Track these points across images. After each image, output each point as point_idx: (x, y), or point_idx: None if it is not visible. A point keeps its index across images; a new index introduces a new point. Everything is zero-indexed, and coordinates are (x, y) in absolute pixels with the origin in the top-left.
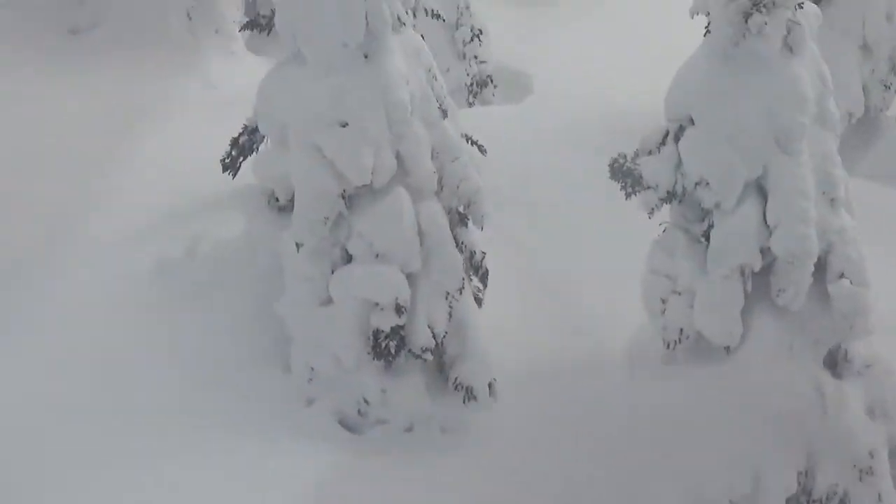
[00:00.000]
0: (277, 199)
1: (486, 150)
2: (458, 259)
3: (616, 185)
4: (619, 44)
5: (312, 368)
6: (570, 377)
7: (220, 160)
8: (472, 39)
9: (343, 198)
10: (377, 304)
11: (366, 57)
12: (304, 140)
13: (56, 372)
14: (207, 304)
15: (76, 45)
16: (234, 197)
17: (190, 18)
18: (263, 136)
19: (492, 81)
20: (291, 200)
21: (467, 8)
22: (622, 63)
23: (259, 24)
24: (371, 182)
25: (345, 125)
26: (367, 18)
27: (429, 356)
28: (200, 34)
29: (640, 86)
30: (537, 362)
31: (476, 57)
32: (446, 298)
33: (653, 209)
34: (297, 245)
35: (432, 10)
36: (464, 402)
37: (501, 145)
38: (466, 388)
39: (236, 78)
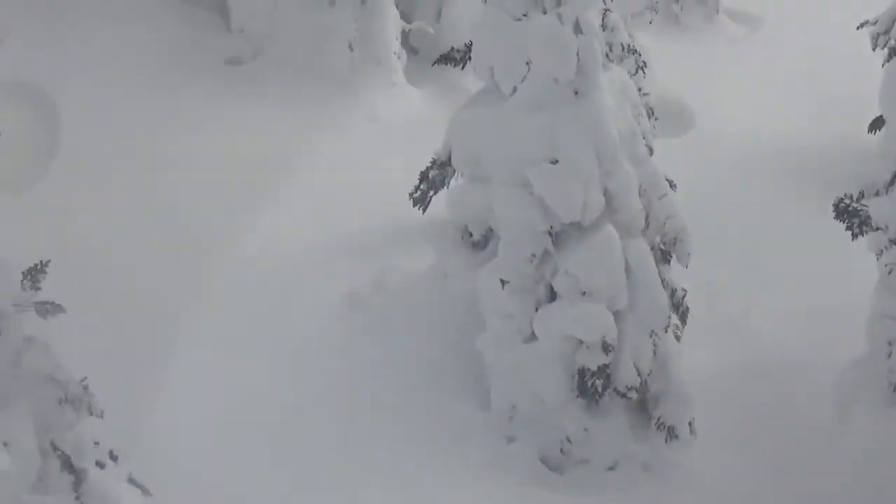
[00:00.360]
0: (471, 234)
1: (675, 186)
2: (664, 297)
3: (794, 220)
4: (777, 71)
5: (514, 406)
6: (768, 415)
7: (409, 194)
8: (636, 72)
9: (550, 235)
10: (583, 343)
11: (576, 93)
12: (512, 176)
13: (243, 406)
14: (398, 338)
15: (237, 76)
16: (421, 230)
17: (351, 50)
18: (454, 171)
19: (653, 114)
20: (486, 235)
21: (632, 39)
22: (782, 92)
23: (453, 58)
24: (580, 219)
25: (555, 162)
26: (578, 55)
27: (633, 395)
28: (362, 65)
29: (803, 117)
30: (731, 399)
31: (640, 89)
32: (651, 336)
33: (882, 250)
34: (502, 282)
35: (628, 45)
36: (665, 441)
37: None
38: (668, 428)
39: (398, 109)
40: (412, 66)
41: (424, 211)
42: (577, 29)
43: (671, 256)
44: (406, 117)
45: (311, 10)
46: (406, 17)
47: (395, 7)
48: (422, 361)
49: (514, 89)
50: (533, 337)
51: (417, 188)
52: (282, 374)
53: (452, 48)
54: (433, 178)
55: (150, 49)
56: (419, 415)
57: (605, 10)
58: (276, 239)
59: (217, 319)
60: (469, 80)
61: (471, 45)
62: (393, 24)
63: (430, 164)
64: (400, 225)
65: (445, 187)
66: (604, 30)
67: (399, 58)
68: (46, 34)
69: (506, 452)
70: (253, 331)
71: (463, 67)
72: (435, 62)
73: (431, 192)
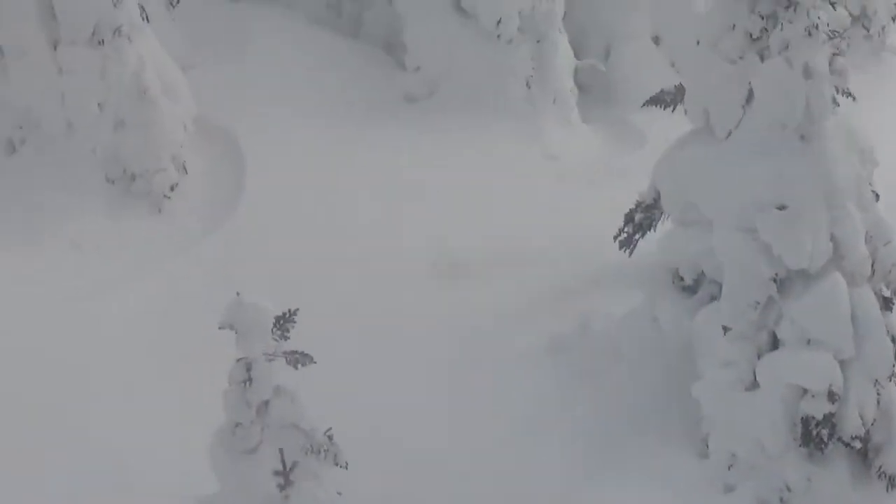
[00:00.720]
0: (682, 278)
1: None
2: (889, 345)
3: None
4: None
5: (733, 454)
6: None
7: (614, 237)
8: None
9: (775, 281)
10: (807, 391)
11: (802, 138)
12: (735, 221)
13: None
14: (604, 383)
15: (414, 113)
16: (623, 272)
17: (529, 87)
18: (661, 213)
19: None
20: (697, 279)
21: None
22: None
23: (663, 100)
24: (807, 266)
25: (783, 208)
26: (807, 100)
27: (857, 444)
28: (539, 103)
29: None
30: None
31: None
32: (874, 385)
33: None
34: (724, 329)
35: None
36: (886, 490)
37: None
38: (889, 477)
39: (574, 148)
40: (581, 104)
41: (631, 254)
42: (807, 73)
43: (893, 304)
44: (583, 156)
45: (487, 47)
46: (575, 54)
47: (568, 44)
48: (631, 407)
49: (730, 133)
50: (754, 384)
51: (622, 231)
52: (486, 417)
53: (662, 90)
54: (639, 222)
55: (326, 86)
56: (631, 461)
57: (834, 53)
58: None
59: (420, 362)
60: (642, 119)
61: (680, 86)
62: (567, 61)
63: (634, 207)
64: (599, 267)
65: (652, 230)
66: (831, 74)
67: (573, 95)
68: (226, 69)
69: (723, 501)
70: (456, 375)
71: (673, 110)
72: (645, 104)
73: (638, 236)
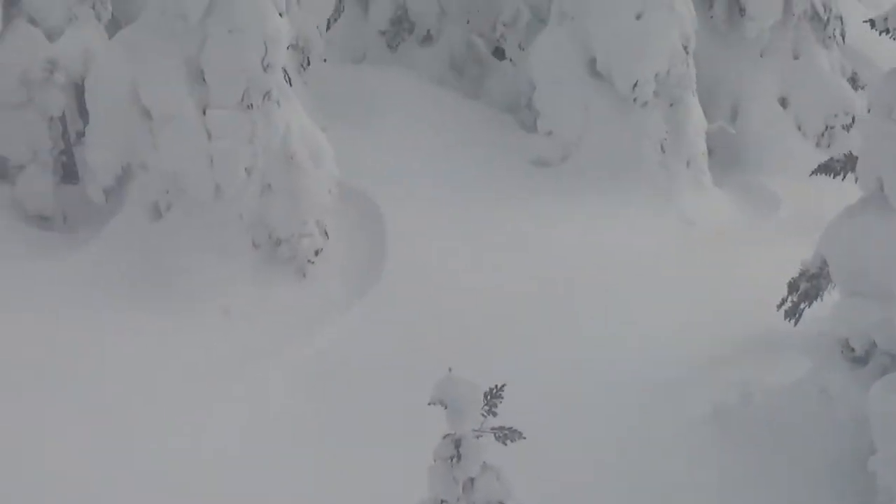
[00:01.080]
0: (852, 349)
1: None
2: None
3: None
4: None
5: None
6: None
7: (778, 306)
8: None
9: None
10: None
11: None
12: None
13: None
14: (769, 455)
15: (545, 177)
16: (783, 341)
17: (663, 151)
18: (828, 282)
19: None
20: (868, 351)
21: None
22: None
23: (832, 168)
24: None
25: None
26: None
27: None
28: (673, 167)
29: None
30: None
31: None
32: None
33: None
34: None
35: None
36: None
37: None
38: None
39: (709, 212)
40: (717, 167)
41: (796, 324)
42: None
43: None
44: (718, 220)
45: (622, 111)
46: None
47: (700, 107)
48: (797, 480)
49: None
50: None
51: (786, 300)
52: (645, 487)
53: (832, 158)
54: (805, 291)
55: (455, 148)
56: None
57: None
58: (632, 344)
59: (592, 436)
60: (775, 183)
61: (851, 155)
62: (700, 124)
63: (799, 276)
64: (756, 335)
65: (819, 299)
66: None
67: (705, 158)
68: (355, 132)
69: None
70: (619, 441)
71: (843, 178)
72: (813, 172)
73: (804, 305)
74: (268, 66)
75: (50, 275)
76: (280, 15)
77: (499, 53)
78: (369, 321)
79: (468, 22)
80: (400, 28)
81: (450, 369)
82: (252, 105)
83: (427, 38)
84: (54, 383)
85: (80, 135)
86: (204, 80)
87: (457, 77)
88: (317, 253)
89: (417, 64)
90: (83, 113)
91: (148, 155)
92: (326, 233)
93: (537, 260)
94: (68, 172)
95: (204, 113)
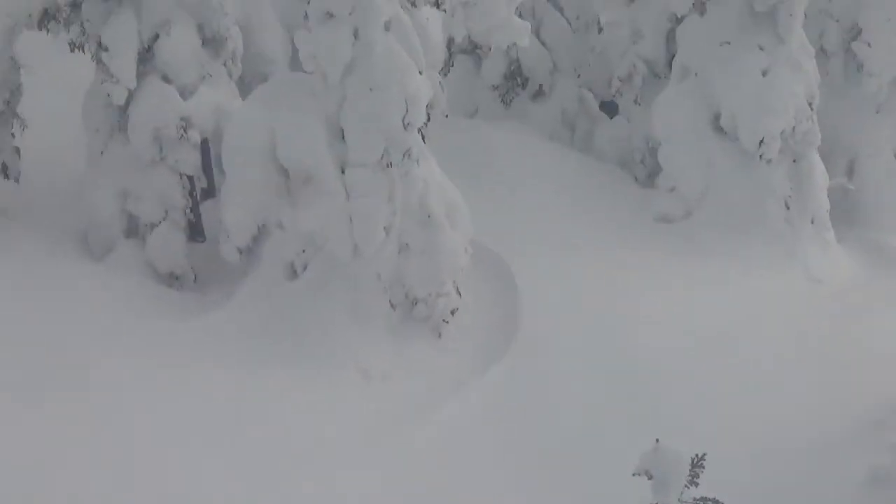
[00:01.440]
0: None
1: None
2: None
3: None
4: None
5: None
6: None
7: None
8: None
9: None
10: None
11: None
12: None
13: None
14: None
15: (669, 234)
16: None
17: (788, 208)
18: None
19: None
20: None
21: None
22: None
23: None
24: None
25: None
26: None
27: None
28: (797, 224)
29: None
30: None
31: None
32: None
33: None
34: None
35: None
36: None
37: None
38: None
39: (834, 270)
40: (841, 226)
41: None
42: None
43: None
44: (843, 278)
45: (746, 168)
46: None
47: (822, 164)
48: None
49: None
50: None
51: None
52: None
53: None
54: None
55: (581, 206)
56: None
57: None
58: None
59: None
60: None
61: None
62: (823, 180)
63: None
64: None
65: None
66: None
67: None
68: (475, 189)
69: None
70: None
71: None
72: None
73: None
74: (408, 124)
75: (184, 335)
76: (420, 73)
77: (607, 108)
78: (503, 389)
79: (579, 76)
80: (513, 83)
81: (657, 440)
82: (391, 163)
83: (539, 93)
84: (198, 439)
85: (207, 192)
86: (343, 138)
87: (568, 132)
88: (453, 312)
89: (530, 118)
90: (207, 170)
91: (285, 214)
92: (459, 291)
93: (672, 319)
94: (194, 230)
95: (343, 171)
